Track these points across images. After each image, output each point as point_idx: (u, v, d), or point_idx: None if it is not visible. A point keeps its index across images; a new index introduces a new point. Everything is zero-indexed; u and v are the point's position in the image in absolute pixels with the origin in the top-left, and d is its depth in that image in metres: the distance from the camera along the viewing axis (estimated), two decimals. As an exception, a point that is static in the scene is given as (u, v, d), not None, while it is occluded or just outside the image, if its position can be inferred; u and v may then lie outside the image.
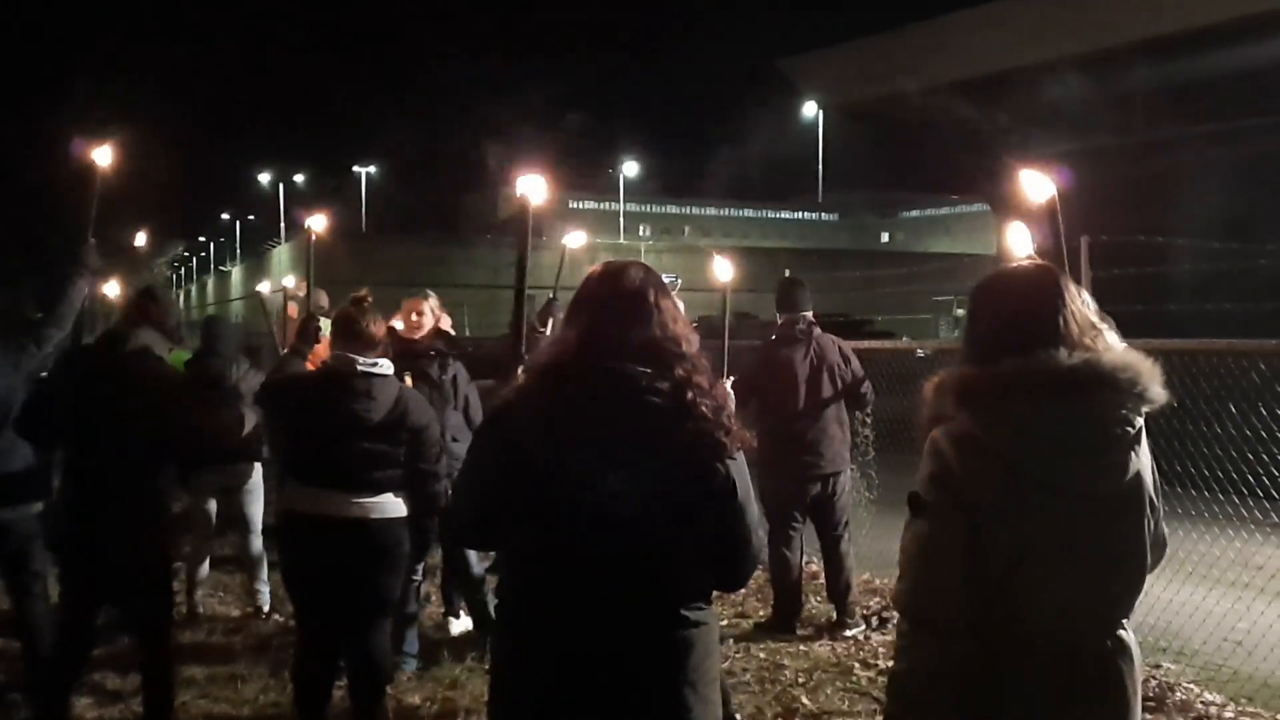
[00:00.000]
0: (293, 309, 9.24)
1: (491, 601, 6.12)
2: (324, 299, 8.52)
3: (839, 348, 7.19)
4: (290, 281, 9.72)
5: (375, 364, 5.00)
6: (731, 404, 4.76)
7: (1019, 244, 3.40)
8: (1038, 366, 2.34)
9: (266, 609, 7.21)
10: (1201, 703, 5.57)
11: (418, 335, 6.34)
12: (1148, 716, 4.51)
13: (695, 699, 2.62)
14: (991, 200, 21.82)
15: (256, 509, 7.35)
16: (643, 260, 2.99)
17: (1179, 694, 5.66)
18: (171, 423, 4.90)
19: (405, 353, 5.94)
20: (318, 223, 5.29)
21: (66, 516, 4.97)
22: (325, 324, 6.10)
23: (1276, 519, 7.16)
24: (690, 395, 2.61)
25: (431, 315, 6.45)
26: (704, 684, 2.65)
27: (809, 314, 7.13)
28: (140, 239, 13.89)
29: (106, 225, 5.93)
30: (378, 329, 5.11)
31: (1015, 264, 2.67)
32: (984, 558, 2.32)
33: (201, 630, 6.93)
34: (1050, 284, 2.48)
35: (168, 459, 5.04)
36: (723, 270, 5.30)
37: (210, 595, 7.57)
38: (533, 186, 3.67)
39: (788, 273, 6.79)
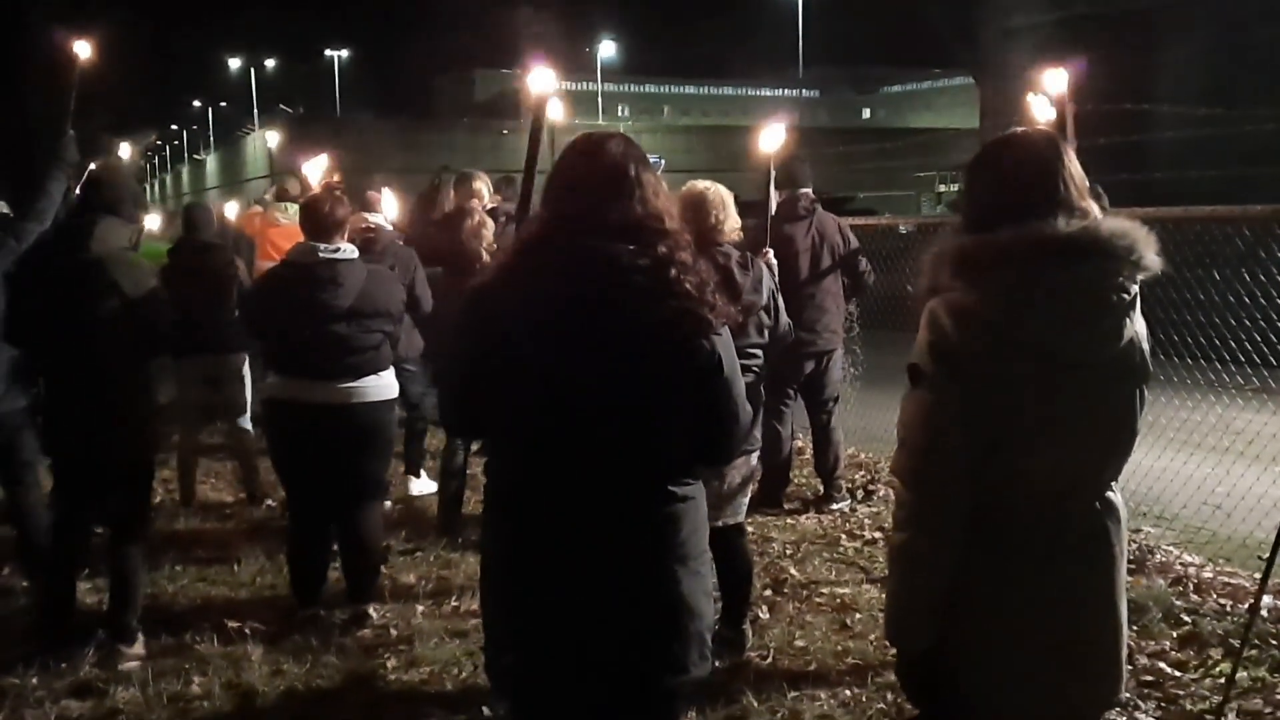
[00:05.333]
0: (257, 223, 9.29)
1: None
2: (296, 186, 8.44)
3: (840, 227, 7.14)
4: (233, 209, 9.65)
5: (337, 249, 4.98)
6: (775, 274, 4.69)
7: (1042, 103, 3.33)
8: (1035, 234, 2.32)
9: (259, 494, 7.27)
10: (1181, 564, 5.71)
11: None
12: (1128, 579, 4.59)
13: (684, 572, 2.64)
14: (974, 72, 21.50)
15: (244, 397, 7.37)
16: None
17: (1159, 556, 5.79)
18: (149, 321, 4.74)
19: None
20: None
21: (47, 419, 4.90)
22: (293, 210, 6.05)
23: (1257, 383, 7.26)
24: (673, 272, 2.55)
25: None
26: (693, 558, 2.67)
27: (809, 191, 7.05)
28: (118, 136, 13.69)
29: (76, 115, 5.78)
30: (342, 214, 5.08)
31: (1013, 130, 2.62)
32: (978, 424, 2.34)
33: (196, 517, 7.01)
34: (1049, 147, 2.45)
35: (146, 357, 4.88)
36: (766, 141, 5.03)
37: (203, 482, 7.63)
38: (542, 79, 3.32)
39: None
